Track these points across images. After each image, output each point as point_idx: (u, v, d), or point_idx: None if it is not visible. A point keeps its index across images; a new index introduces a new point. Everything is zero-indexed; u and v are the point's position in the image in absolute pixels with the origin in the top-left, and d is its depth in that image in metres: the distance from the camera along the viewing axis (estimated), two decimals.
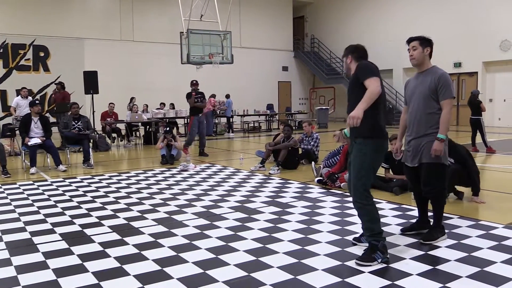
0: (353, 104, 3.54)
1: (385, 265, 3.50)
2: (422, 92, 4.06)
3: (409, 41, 4.16)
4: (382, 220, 4.76)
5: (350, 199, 5.74)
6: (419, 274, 3.32)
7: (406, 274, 3.32)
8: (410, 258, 3.64)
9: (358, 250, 3.85)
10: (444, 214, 4.86)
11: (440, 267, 3.45)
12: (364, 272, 3.38)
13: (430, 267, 3.44)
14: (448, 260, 3.58)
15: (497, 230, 4.37)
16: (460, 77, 19.91)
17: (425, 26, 20.57)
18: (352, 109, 3.48)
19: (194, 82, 10.92)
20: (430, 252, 3.77)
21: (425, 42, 4.11)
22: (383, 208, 5.30)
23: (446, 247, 3.90)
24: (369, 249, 3.63)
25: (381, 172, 6.74)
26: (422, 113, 4.03)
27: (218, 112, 17.72)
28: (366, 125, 3.51)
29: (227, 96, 18.13)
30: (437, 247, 3.90)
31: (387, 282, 3.18)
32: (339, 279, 3.26)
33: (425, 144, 3.99)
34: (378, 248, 3.57)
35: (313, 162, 7.96)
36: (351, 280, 3.24)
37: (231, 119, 17.88)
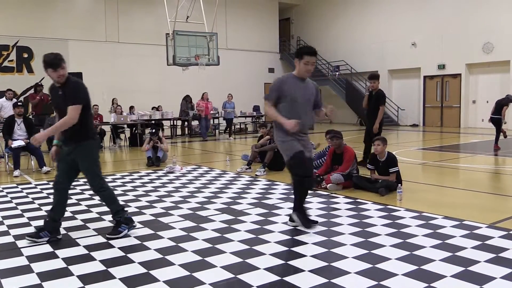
0: None
1: (130, 230, 4.44)
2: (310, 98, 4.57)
3: (313, 54, 4.48)
4: (367, 220, 4.81)
5: (336, 200, 5.80)
6: (404, 274, 3.35)
7: (391, 274, 3.35)
8: (395, 259, 3.67)
9: (345, 251, 3.88)
10: (429, 215, 4.96)
11: (425, 267, 3.49)
12: (350, 272, 3.40)
13: (415, 267, 3.48)
14: (433, 260, 3.62)
15: (481, 230, 4.43)
16: (444, 79, 20.17)
17: (409, 29, 20.84)
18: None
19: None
20: (415, 252, 3.80)
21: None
22: (368, 209, 5.34)
23: (431, 247, 3.94)
24: (116, 225, 4.43)
25: (366, 173, 6.80)
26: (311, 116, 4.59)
27: (219, 113, 17.40)
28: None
29: (231, 97, 17.29)
30: (422, 247, 3.93)
31: (373, 283, 3.20)
32: (326, 280, 3.27)
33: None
34: (122, 222, 4.40)
35: None
36: (337, 280, 3.25)
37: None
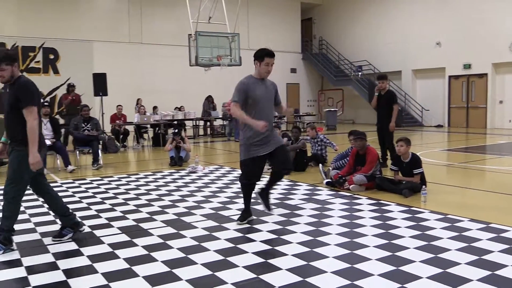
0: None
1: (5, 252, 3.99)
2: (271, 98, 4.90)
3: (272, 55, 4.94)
4: (391, 222, 4.75)
5: (359, 201, 5.75)
6: (429, 277, 3.29)
7: (416, 277, 3.30)
8: (420, 261, 3.61)
9: (368, 252, 3.83)
10: (455, 217, 4.87)
11: (450, 270, 3.42)
12: (373, 274, 3.36)
13: (440, 270, 3.42)
14: (458, 263, 3.55)
15: (508, 233, 4.32)
16: (469, 79, 19.79)
17: (433, 28, 20.51)
18: None
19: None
20: (440, 255, 3.74)
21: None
22: (392, 210, 5.28)
23: (457, 250, 3.87)
24: None
25: (390, 174, 6.72)
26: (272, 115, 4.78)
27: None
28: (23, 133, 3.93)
29: None
30: (447, 250, 3.87)
31: (397, 285, 3.16)
32: (348, 282, 3.24)
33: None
34: (1, 242, 3.98)
35: (320, 165, 7.92)
36: (360, 282, 3.22)
37: None
